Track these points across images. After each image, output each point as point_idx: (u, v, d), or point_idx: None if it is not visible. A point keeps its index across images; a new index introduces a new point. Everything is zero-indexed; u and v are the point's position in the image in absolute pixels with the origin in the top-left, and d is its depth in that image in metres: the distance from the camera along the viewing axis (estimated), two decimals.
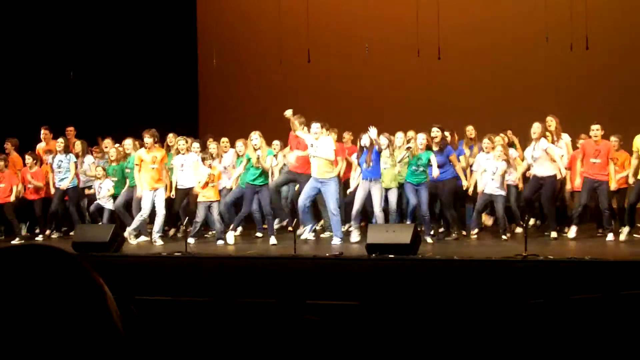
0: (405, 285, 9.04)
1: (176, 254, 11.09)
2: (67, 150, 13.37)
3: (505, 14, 17.26)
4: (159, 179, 12.41)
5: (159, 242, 12.25)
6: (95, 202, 13.26)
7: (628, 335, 6.02)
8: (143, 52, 17.89)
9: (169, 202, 12.82)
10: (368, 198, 12.02)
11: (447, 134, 12.38)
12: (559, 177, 11.73)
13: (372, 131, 11.89)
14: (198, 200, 12.38)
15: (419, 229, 11.34)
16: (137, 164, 12.43)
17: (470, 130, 13.17)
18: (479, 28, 17.26)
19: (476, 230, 12.16)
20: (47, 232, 13.50)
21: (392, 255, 10.15)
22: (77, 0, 17.04)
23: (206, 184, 12.27)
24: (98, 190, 13.14)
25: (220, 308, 5.44)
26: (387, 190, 12.08)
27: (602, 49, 15.80)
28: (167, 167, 12.81)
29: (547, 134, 11.88)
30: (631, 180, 11.50)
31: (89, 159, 13.64)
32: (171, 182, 12.88)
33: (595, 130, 11.55)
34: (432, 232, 11.97)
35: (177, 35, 18.71)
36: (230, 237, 12.20)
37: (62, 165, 13.28)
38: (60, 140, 13.41)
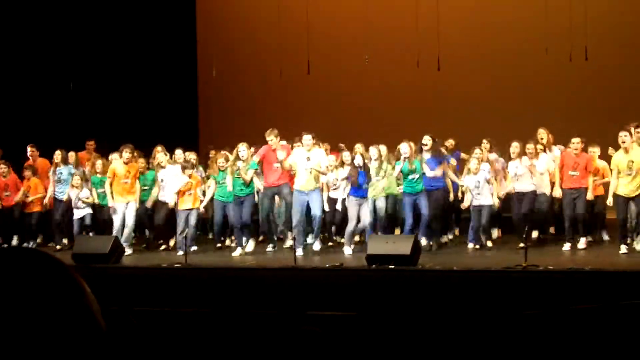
0: (406, 296, 9.04)
1: (176, 265, 11.09)
2: (65, 161, 13.39)
3: (505, 25, 17.29)
4: (130, 191, 12.50)
5: (128, 251, 12.27)
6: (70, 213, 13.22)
7: (627, 345, 6.02)
8: (143, 63, 17.93)
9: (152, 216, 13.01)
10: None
11: (450, 142, 13.05)
12: (545, 191, 11.91)
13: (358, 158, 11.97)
14: (178, 208, 12.40)
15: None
16: (109, 177, 12.55)
17: (449, 143, 13.36)
18: (478, 39, 17.30)
19: (477, 246, 12.17)
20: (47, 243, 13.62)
21: (392, 266, 10.15)
22: (77, 11, 17.08)
23: (183, 192, 12.30)
24: (75, 198, 13.03)
25: (219, 319, 5.44)
26: (374, 200, 12.13)
27: (601, 60, 15.84)
28: (141, 182, 12.79)
29: (539, 146, 12.04)
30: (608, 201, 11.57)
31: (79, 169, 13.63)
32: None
33: (576, 143, 11.72)
34: (434, 238, 12.07)
35: (177, 46, 18.75)
36: (250, 244, 12.33)
37: (62, 177, 13.31)
38: (58, 152, 13.39)
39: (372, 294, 9.19)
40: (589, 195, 11.61)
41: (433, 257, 11.32)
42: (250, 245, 12.41)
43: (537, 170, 11.90)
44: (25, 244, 13.47)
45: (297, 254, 11.37)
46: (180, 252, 11.73)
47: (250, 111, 18.55)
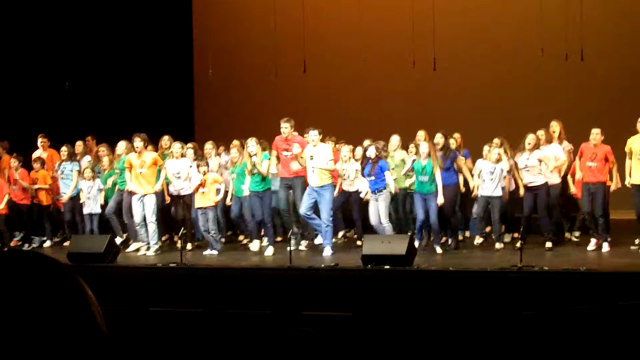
0: (401, 296, 9.04)
1: (171, 264, 11.05)
2: (71, 157, 13.38)
3: (501, 26, 17.31)
4: (148, 182, 12.26)
5: (151, 252, 12.21)
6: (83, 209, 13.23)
7: (623, 346, 6.02)
8: (139, 62, 17.91)
9: (167, 209, 12.95)
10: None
11: (456, 135, 12.88)
12: (556, 182, 11.83)
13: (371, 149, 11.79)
14: (196, 207, 12.36)
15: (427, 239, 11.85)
16: (127, 167, 12.37)
17: (456, 138, 13.15)
18: (474, 39, 17.31)
19: (481, 240, 12.13)
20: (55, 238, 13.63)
21: (388, 266, 10.14)
22: (73, 10, 17.05)
23: (197, 188, 12.24)
24: (87, 191, 13.07)
25: (215, 319, 5.42)
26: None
27: (597, 60, 15.85)
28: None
29: (543, 138, 11.93)
30: (626, 181, 11.57)
31: (86, 158, 13.64)
32: (167, 186, 12.88)
33: (595, 134, 11.58)
34: (441, 242, 11.97)
35: (173, 45, 18.73)
36: (255, 245, 12.20)
37: (65, 172, 13.32)
38: (64, 148, 13.41)
39: (368, 295, 9.19)
40: (613, 187, 11.49)
41: (429, 257, 11.32)
42: (268, 249, 12.09)
43: (548, 157, 11.73)
44: (36, 241, 13.59)
45: (301, 245, 11.48)
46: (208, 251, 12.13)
47: (246, 110, 18.54)
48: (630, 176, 11.42)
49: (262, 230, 12.43)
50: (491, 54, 17.23)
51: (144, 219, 12.23)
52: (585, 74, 16.13)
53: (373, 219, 11.79)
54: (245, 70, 18.82)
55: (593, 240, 11.57)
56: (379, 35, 17.60)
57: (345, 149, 12.46)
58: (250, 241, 12.59)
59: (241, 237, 13.46)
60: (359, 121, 17.10)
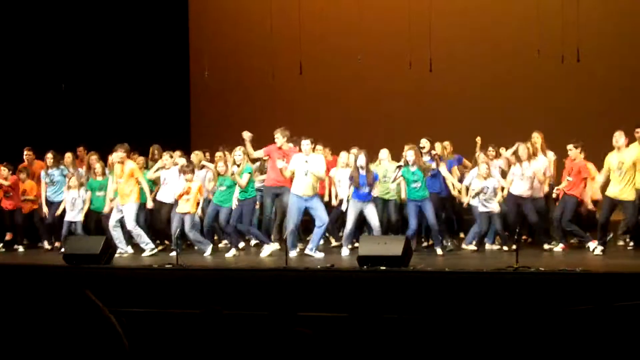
0: (397, 297, 9.04)
1: (167, 266, 11.05)
2: (57, 164, 13.36)
3: (497, 27, 17.33)
4: (124, 192, 12.31)
5: (147, 254, 12.21)
6: (64, 218, 13.10)
7: (620, 346, 6.03)
8: (135, 65, 17.90)
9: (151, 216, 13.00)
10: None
11: (446, 143, 12.94)
12: (540, 195, 11.96)
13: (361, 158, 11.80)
14: (176, 211, 12.36)
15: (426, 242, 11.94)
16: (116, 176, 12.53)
17: (446, 145, 13.17)
18: (470, 40, 17.33)
19: (474, 247, 12.14)
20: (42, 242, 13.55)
21: (384, 267, 10.14)
22: (70, 12, 17.05)
23: (181, 195, 12.26)
24: (72, 202, 13.00)
25: (211, 320, 5.43)
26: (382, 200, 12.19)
27: (593, 61, 15.88)
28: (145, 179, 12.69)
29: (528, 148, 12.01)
30: (598, 196, 11.78)
31: (81, 172, 13.60)
32: (154, 195, 12.89)
33: (568, 149, 11.92)
34: (443, 244, 11.96)
35: (169, 48, 18.73)
36: (269, 249, 12.10)
37: (55, 178, 13.29)
38: (50, 155, 13.37)
39: (364, 295, 9.18)
40: (568, 203, 11.63)
41: (424, 258, 11.32)
42: (265, 249, 12.09)
43: (539, 169, 11.87)
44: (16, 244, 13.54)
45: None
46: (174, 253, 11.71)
47: (243, 113, 18.54)
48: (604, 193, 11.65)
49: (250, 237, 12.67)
50: (488, 55, 17.26)
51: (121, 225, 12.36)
52: (583, 74, 16.16)
53: (350, 226, 11.89)
54: (242, 73, 18.83)
55: (560, 244, 11.88)
56: (375, 37, 17.62)
57: (344, 155, 12.52)
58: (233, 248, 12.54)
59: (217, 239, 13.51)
60: (356, 122, 17.12)
